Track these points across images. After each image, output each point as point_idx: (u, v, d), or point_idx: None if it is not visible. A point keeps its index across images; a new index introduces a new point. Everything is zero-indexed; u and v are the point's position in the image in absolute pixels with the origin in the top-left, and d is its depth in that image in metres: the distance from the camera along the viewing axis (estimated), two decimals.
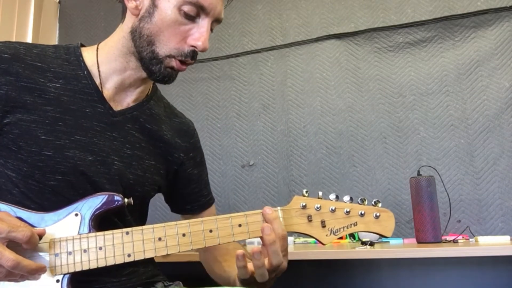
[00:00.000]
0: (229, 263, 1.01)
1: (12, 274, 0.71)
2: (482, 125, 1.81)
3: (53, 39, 2.48)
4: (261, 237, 0.82)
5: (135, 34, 0.89)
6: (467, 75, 1.86)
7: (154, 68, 0.89)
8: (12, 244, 0.72)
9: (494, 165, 1.78)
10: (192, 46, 0.88)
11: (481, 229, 1.75)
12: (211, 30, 0.91)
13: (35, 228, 0.78)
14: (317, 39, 2.09)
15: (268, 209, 0.84)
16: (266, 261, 0.81)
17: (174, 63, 0.89)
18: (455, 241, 1.53)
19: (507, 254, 1.24)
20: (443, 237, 1.57)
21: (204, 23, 0.88)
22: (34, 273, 0.72)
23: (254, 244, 1.56)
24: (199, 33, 0.87)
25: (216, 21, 0.91)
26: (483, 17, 1.86)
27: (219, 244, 0.84)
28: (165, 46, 0.87)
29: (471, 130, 1.83)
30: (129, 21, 0.90)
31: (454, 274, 1.70)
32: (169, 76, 0.90)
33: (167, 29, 0.86)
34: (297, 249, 1.44)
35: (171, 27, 0.86)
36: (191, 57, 0.89)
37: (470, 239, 1.61)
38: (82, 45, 0.97)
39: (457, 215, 1.79)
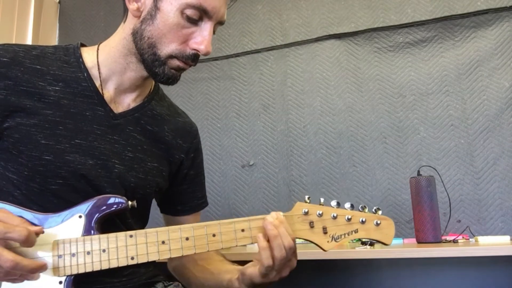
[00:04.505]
0: (216, 266, 1.00)
1: (11, 273, 0.70)
2: (482, 125, 1.81)
3: (53, 39, 2.48)
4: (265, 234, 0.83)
5: (137, 36, 0.88)
6: (467, 75, 1.86)
7: (158, 70, 0.88)
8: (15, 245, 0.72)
9: (494, 165, 1.78)
10: (195, 49, 0.87)
11: (481, 229, 1.75)
12: (214, 32, 0.90)
13: (32, 226, 0.76)
14: (317, 39, 2.09)
15: (271, 217, 0.85)
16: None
17: (179, 62, 0.88)
18: (455, 241, 1.53)
19: (507, 254, 1.24)
20: (443, 237, 1.58)
21: (206, 27, 0.87)
22: (34, 272, 0.72)
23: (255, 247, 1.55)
24: (201, 37, 0.87)
25: (219, 23, 0.90)
26: (483, 17, 1.86)
27: (222, 248, 0.84)
28: (167, 48, 0.86)
29: (471, 130, 1.83)
30: (131, 22, 0.90)
31: (454, 274, 1.70)
32: (173, 78, 0.90)
33: (169, 32, 0.85)
34: (297, 249, 1.44)
35: (173, 30, 0.85)
36: (192, 59, 0.89)
37: (470, 239, 1.61)
38: (83, 45, 0.96)
39: (457, 215, 1.79)
